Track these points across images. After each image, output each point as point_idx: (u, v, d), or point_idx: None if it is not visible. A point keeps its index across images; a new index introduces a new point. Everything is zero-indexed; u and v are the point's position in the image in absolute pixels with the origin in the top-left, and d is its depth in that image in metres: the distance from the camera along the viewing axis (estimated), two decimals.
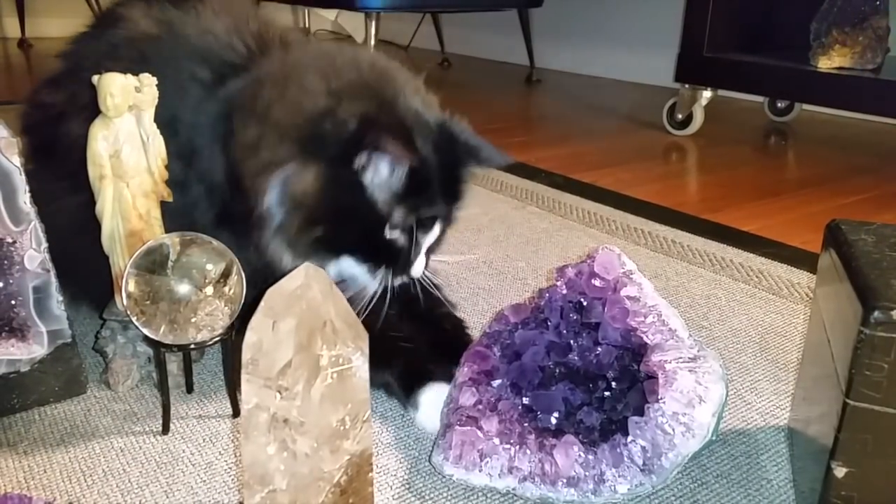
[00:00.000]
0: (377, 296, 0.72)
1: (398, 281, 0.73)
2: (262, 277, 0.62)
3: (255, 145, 0.68)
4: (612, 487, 0.57)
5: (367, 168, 0.66)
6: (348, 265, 0.72)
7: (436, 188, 0.70)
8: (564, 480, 0.57)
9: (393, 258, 0.71)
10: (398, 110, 0.69)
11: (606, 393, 0.66)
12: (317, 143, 0.66)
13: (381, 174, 0.67)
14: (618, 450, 0.57)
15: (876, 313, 0.46)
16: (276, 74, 0.71)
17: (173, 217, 0.70)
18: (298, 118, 0.67)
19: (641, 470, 0.57)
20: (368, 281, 0.72)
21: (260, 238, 0.69)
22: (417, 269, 0.73)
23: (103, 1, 2.81)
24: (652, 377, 0.60)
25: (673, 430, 0.57)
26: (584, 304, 0.67)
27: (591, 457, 0.58)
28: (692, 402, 0.58)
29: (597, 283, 0.67)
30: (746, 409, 0.73)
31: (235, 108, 0.70)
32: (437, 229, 0.74)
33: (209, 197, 0.72)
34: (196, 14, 0.78)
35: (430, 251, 0.75)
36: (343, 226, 0.68)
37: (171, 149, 0.68)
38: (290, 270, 0.70)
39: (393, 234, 0.70)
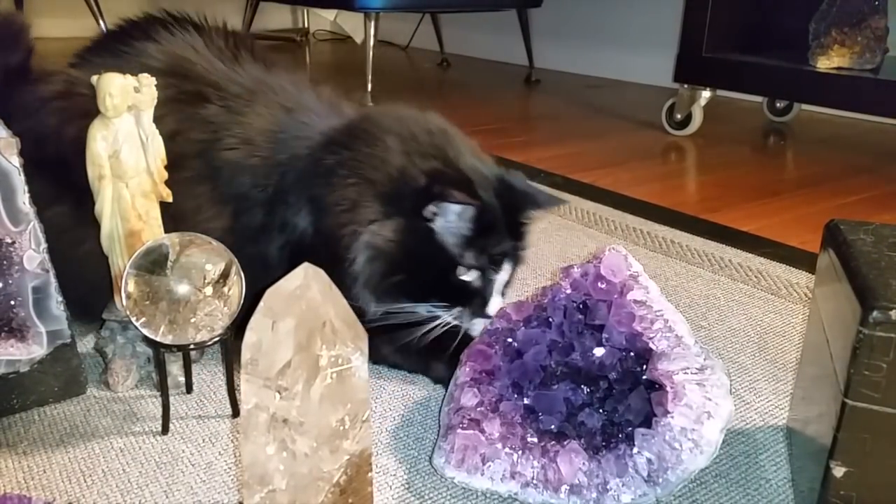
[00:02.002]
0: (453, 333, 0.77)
1: (478, 322, 0.77)
2: None
3: (355, 203, 0.73)
4: (616, 497, 0.56)
5: (436, 215, 0.73)
6: (428, 311, 0.76)
7: (501, 230, 0.76)
8: (567, 488, 0.57)
9: (469, 298, 0.76)
10: (460, 166, 0.76)
11: (607, 394, 0.65)
12: (395, 199, 0.73)
13: (450, 220, 0.73)
14: (623, 460, 0.57)
15: (874, 313, 0.46)
16: (363, 134, 0.77)
17: (249, 267, 0.72)
18: (384, 176, 0.74)
19: (646, 481, 0.56)
20: (450, 321, 0.76)
21: (349, 289, 0.73)
22: (493, 307, 0.77)
23: (103, 2, 2.81)
24: (657, 385, 0.60)
25: (681, 445, 0.56)
26: (589, 304, 0.67)
27: (594, 465, 0.58)
28: (701, 418, 0.57)
29: (603, 285, 0.67)
30: (745, 408, 0.74)
31: (331, 163, 0.75)
32: (507, 268, 0.78)
33: (284, 244, 0.77)
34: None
35: (502, 291, 0.80)
36: (420, 271, 0.74)
37: (259, 197, 0.76)
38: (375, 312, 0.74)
39: (468, 276, 0.75)
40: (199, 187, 0.76)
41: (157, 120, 0.76)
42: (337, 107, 0.84)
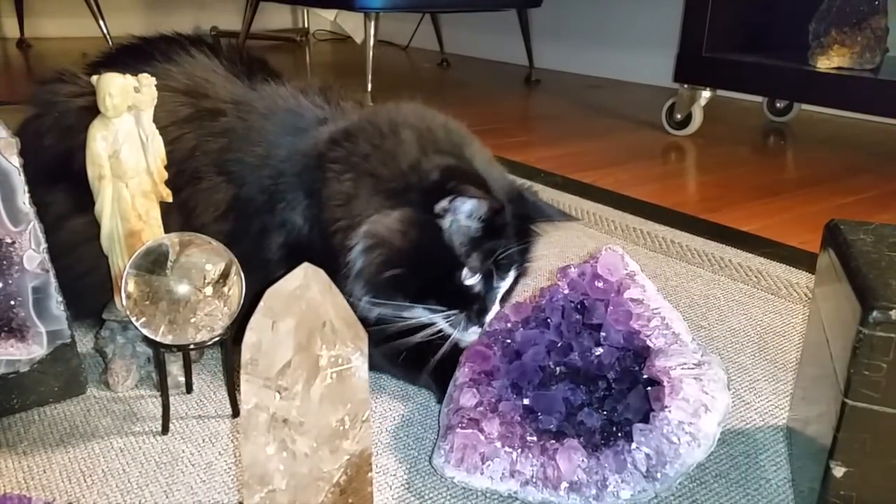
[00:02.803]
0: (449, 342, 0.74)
1: (471, 328, 0.74)
2: None
3: (350, 196, 0.72)
4: (615, 493, 0.56)
5: (447, 212, 0.70)
6: (423, 313, 0.73)
7: (511, 235, 0.74)
8: (567, 485, 0.57)
9: (468, 303, 0.73)
10: (476, 166, 0.75)
11: (606, 394, 0.66)
12: (403, 192, 0.71)
13: (460, 219, 0.70)
14: (621, 456, 0.57)
15: (874, 313, 0.46)
16: (371, 129, 0.76)
17: (252, 269, 0.72)
18: (393, 170, 0.72)
19: (645, 477, 0.56)
20: (444, 326, 0.74)
21: (343, 285, 0.72)
22: (490, 315, 0.75)
23: (103, 2, 2.81)
24: (655, 382, 0.60)
25: (678, 439, 0.56)
26: (586, 304, 0.67)
27: (593, 462, 0.58)
28: (698, 411, 0.57)
29: (600, 284, 0.67)
30: (745, 408, 0.74)
31: (328, 159, 0.74)
32: (511, 276, 0.76)
33: (283, 243, 0.76)
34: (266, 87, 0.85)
35: (502, 300, 0.78)
36: (421, 268, 0.71)
37: (261, 199, 0.76)
38: (367, 312, 0.72)
39: (470, 280, 0.72)
40: (216, 196, 0.77)
41: (179, 138, 0.77)
42: (345, 109, 0.84)
